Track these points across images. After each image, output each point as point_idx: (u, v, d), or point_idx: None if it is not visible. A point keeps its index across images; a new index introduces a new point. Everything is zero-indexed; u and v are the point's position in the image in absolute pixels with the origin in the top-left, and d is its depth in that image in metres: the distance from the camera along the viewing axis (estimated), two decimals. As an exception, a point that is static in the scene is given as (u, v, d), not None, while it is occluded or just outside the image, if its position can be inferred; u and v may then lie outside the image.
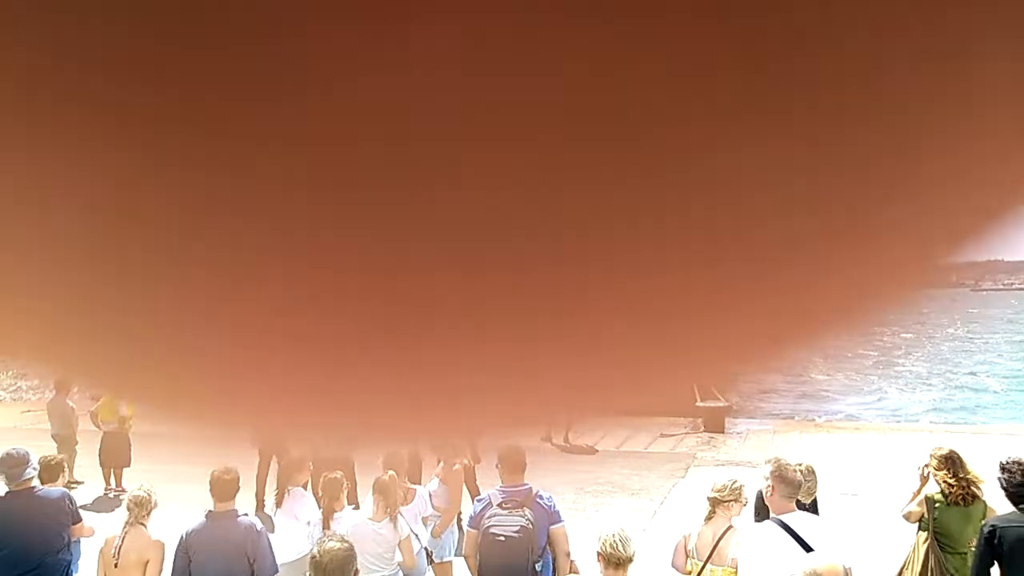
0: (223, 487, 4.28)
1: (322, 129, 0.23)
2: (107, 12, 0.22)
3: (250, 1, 0.21)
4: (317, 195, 0.25)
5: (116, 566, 4.30)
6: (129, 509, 4.46)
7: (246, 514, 4.39)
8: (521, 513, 4.18)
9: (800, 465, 4.09)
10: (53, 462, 4.93)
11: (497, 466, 4.42)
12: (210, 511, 4.33)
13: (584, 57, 0.22)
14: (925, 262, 0.29)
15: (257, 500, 7.21)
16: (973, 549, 4.50)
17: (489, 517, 4.17)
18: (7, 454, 4.55)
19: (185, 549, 4.20)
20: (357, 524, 4.43)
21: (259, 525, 4.35)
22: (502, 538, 4.13)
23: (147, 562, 4.32)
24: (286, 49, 0.22)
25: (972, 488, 4.54)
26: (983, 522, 4.26)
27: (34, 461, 4.66)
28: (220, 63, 0.22)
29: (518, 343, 0.29)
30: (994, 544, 4.06)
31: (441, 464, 5.53)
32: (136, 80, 0.22)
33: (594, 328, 0.29)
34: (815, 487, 4.68)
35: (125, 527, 4.41)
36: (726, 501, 4.07)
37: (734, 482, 4.13)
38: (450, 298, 0.28)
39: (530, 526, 4.16)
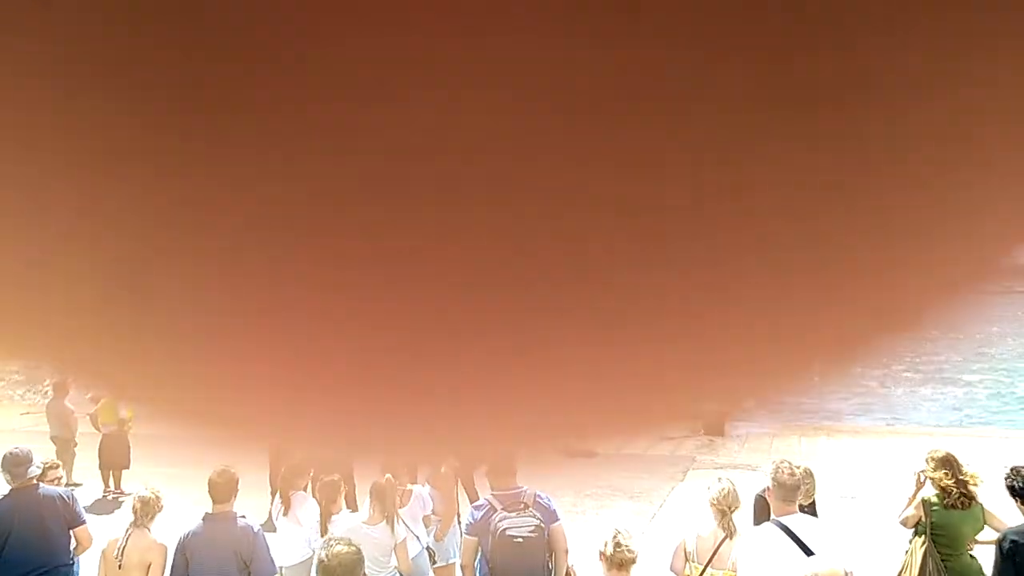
0: (220, 489, 4.28)
1: (332, 130, 0.23)
2: (111, 10, 0.21)
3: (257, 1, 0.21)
4: (329, 196, 0.24)
5: (119, 567, 4.32)
6: (134, 511, 4.48)
7: (244, 516, 4.38)
8: (531, 513, 4.17)
9: (798, 467, 4.08)
10: (47, 466, 4.95)
11: (486, 472, 4.38)
12: (207, 513, 4.33)
13: (603, 53, 0.21)
14: (979, 264, 0.28)
15: (272, 495, 7.20)
16: (972, 552, 4.55)
17: (500, 520, 4.14)
18: (10, 453, 4.62)
19: (183, 551, 4.20)
20: (352, 528, 4.41)
21: (256, 527, 4.36)
22: (520, 539, 4.11)
23: (149, 565, 4.34)
24: (293, 50, 0.21)
25: (969, 490, 4.52)
26: (1000, 535, 4.19)
27: (37, 460, 4.70)
28: (225, 63, 0.22)
29: (525, 352, 0.28)
30: (1015, 558, 3.97)
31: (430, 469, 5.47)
32: (142, 76, 0.22)
33: (609, 339, 0.28)
34: (813, 489, 4.66)
35: (129, 528, 4.43)
36: (731, 511, 4.06)
37: (732, 487, 4.12)
38: (458, 306, 0.27)
39: (542, 525, 4.16)
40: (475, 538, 4.24)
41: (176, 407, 0.33)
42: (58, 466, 5.22)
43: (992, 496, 4.55)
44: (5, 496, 4.61)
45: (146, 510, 4.44)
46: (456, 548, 5.24)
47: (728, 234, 0.25)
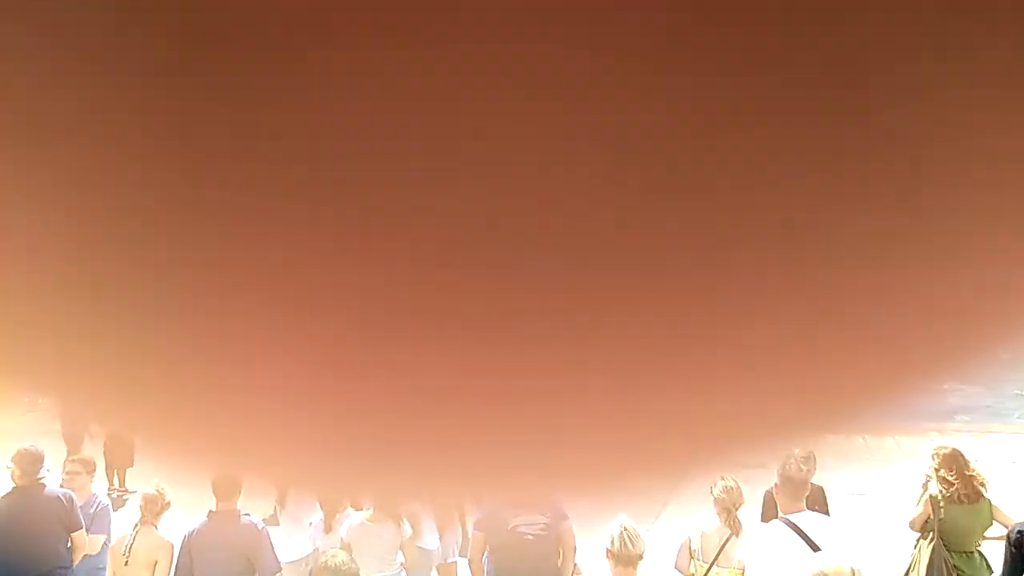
0: (223, 487, 4.24)
1: (328, 129, 0.21)
2: (100, 9, 0.20)
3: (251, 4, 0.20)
4: (331, 202, 0.22)
5: (126, 564, 4.36)
6: (141, 508, 4.51)
7: (248, 514, 4.37)
8: (540, 511, 4.11)
9: (805, 455, 4.03)
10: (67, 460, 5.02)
11: None
12: (211, 511, 4.32)
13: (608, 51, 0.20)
14: None
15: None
16: (980, 549, 4.59)
17: (512, 517, 4.09)
18: (25, 450, 4.63)
19: (188, 550, 4.22)
20: (357, 525, 4.41)
21: (261, 524, 4.35)
22: (531, 536, 4.06)
23: (156, 562, 4.38)
24: (290, 54, 0.20)
25: (975, 485, 4.53)
26: (1011, 527, 4.22)
27: (47, 462, 4.74)
28: (213, 63, 0.21)
29: (548, 390, 0.26)
30: (1022, 548, 3.99)
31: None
32: (127, 78, 0.21)
33: (639, 376, 0.26)
34: (814, 469, 4.59)
35: (137, 526, 4.47)
36: (736, 508, 4.04)
37: (736, 484, 4.08)
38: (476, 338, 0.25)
39: (550, 523, 4.11)
40: (483, 534, 4.19)
41: (179, 441, 0.32)
42: (78, 461, 5.22)
43: (999, 492, 4.59)
44: (7, 494, 4.60)
45: (152, 507, 4.45)
46: (456, 547, 5.21)
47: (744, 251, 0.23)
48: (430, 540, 4.72)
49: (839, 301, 0.24)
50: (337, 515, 4.75)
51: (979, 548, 4.60)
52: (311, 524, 4.92)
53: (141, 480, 5.14)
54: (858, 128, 0.21)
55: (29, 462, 4.59)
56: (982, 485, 4.56)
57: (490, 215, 0.22)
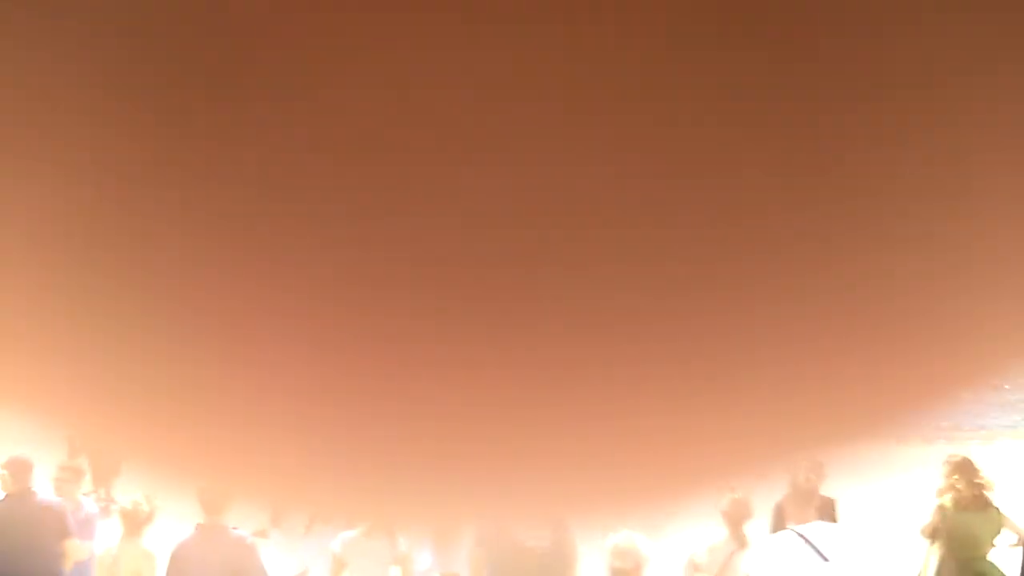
0: (212, 499, 4.10)
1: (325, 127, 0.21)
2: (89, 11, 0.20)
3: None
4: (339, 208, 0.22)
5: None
6: (124, 519, 4.55)
7: (236, 528, 4.30)
8: (545, 523, 4.05)
9: (809, 462, 4.02)
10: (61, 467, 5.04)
11: None
12: (199, 524, 4.23)
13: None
14: None
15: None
16: (990, 558, 4.61)
17: (516, 530, 4.03)
18: (15, 457, 4.64)
19: (175, 563, 4.19)
20: (349, 541, 4.34)
21: (250, 539, 4.30)
22: (541, 550, 3.97)
23: (140, 574, 4.42)
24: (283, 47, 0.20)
25: (984, 492, 4.56)
26: None
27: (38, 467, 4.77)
28: (208, 64, 0.20)
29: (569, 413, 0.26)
30: None
31: None
32: (122, 75, 0.20)
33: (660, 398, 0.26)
34: (823, 479, 4.60)
35: (122, 538, 4.53)
36: (743, 521, 3.99)
37: (744, 497, 4.04)
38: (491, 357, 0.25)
39: (557, 535, 4.03)
40: (484, 550, 4.13)
41: (169, 449, 0.31)
42: (68, 468, 5.17)
43: (1008, 499, 4.67)
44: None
45: (135, 519, 4.46)
46: (457, 560, 5.14)
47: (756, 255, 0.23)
48: (426, 556, 4.69)
49: (851, 308, 0.24)
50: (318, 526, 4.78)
51: (989, 556, 4.60)
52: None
53: (128, 489, 5.20)
54: (887, 116, 0.21)
55: (20, 469, 4.60)
56: (990, 492, 4.58)
57: (493, 217, 0.22)
